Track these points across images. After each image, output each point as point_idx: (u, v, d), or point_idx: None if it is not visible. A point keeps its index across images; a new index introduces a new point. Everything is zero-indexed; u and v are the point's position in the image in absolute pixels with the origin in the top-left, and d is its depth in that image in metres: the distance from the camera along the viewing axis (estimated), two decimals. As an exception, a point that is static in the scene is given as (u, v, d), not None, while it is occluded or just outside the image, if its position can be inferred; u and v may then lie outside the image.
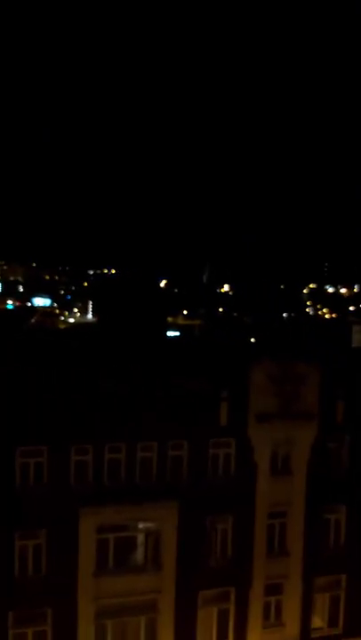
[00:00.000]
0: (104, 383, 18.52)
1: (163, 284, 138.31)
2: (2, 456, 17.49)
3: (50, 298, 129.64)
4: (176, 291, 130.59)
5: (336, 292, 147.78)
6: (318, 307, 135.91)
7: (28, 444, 17.72)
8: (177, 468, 19.20)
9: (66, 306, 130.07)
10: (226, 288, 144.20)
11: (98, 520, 18.28)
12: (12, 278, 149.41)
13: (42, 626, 18.18)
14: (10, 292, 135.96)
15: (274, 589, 20.35)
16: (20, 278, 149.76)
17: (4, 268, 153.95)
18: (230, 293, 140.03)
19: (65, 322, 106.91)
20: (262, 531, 19.98)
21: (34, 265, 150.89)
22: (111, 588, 18.53)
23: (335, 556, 20.88)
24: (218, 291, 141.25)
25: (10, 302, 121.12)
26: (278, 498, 20.00)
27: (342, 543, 20.99)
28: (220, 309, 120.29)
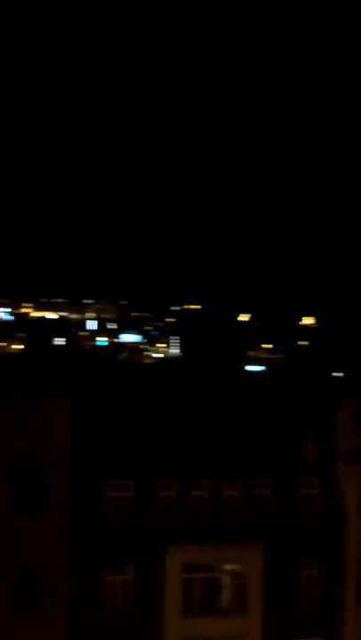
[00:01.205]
0: (190, 419, 18.83)
1: (246, 317, 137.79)
2: (91, 490, 18.20)
3: (137, 334, 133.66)
4: (258, 324, 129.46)
5: None
6: None
7: (116, 478, 18.31)
8: (262, 507, 18.87)
9: (152, 341, 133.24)
10: (310, 321, 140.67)
11: (183, 558, 18.30)
12: (103, 316, 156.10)
13: (129, 663, 18.28)
14: (101, 329, 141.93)
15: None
16: (110, 316, 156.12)
17: (98, 306, 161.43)
18: (314, 326, 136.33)
19: (151, 357, 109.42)
20: (352, 577, 18.96)
21: (123, 303, 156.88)
22: (197, 629, 18.32)
23: None
24: (299, 323, 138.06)
25: (101, 339, 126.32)
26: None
27: None
28: (305, 343, 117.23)
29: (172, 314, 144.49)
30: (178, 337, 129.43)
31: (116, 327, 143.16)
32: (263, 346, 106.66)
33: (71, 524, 18.04)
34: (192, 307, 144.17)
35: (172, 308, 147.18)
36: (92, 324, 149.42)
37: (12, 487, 17.86)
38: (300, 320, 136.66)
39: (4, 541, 17.80)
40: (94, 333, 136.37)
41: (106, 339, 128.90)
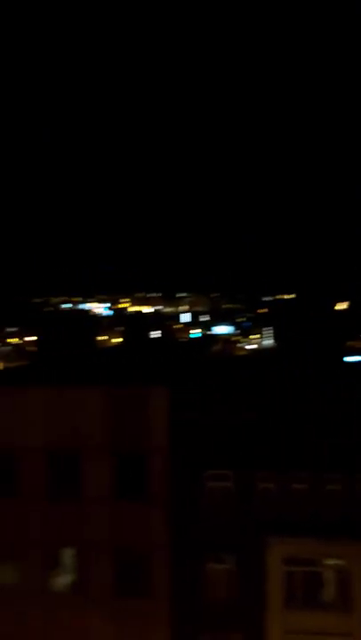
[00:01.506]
0: (288, 411, 18.52)
1: (343, 306, 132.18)
2: (190, 479, 18.53)
3: (230, 326, 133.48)
4: (358, 312, 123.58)
5: None
6: None
7: (215, 468, 18.49)
8: (366, 503, 18.12)
9: (245, 333, 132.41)
10: None
11: (284, 551, 18.09)
12: (196, 309, 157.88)
13: (233, 651, 18.46)
14: (195, 321, 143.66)
15: None
16: (203, 308, 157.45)
17: (190, 299, 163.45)
18: None
19: (244, 348, 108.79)
20: None
21: (215, 295, 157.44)
22: (300, 623, 18.05)
23: None
24: None
25: (195, 331, 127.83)
26: None
27: None
28: None
29: (265, 304, 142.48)
30: (271, 328, 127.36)
31: (208, 319, 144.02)
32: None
33: (172, 512, 18.49)
34: (285, 296, 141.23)
35: (265, 299, 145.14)
36: (185, 317, 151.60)
37: (114, 475, 18.63)
38: None
39: (110, 525, 18.67)
40: (188, 326, 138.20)
41: (199, 331, 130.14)
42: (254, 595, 18.19)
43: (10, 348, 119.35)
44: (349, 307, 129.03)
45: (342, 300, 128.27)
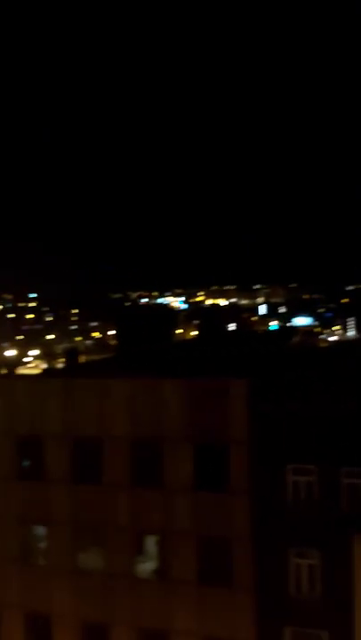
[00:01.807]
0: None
1: None
2: (272, 471, 18.24)
3: (310, 317, 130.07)
4: None
5: None
6: None
7: (297, 461, 18.09)
8: None
9: (326, 324, 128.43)
10: None
11: (373, 548, 17.36)
12: (273, 300, 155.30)
13: (319, 647, 18.05)
14: (272, 313, 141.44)
15: None
16: (281, 300, 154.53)
17: (267, 291, 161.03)
18: None
19: (326, 340, 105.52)
20: None
21: (293, 286, 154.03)
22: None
23: None
24: None
25: (273, 323, 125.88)
26: None
27: None
28: None
29: (347, 294, 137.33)
30: (354, 318, 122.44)
31: (287, 311, 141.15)
32: None
33: (254, 504, 18.32)
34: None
35: (347, 289, 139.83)
36: (262, 309, 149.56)
37: (196, 463, 18.75)
38: None
39: (192, 514, 18.81)
40: (265, 318, 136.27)
41: (277, 322, 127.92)
42: (340, 591, 17.64)
43: (92, 341, 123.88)
44: None
45: None
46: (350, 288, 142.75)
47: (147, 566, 19.63)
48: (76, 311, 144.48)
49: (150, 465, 19.07)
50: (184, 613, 18.94)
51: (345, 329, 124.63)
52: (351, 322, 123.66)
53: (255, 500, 18.33)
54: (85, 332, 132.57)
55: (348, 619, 17.69)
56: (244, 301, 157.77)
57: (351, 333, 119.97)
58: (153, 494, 19.13)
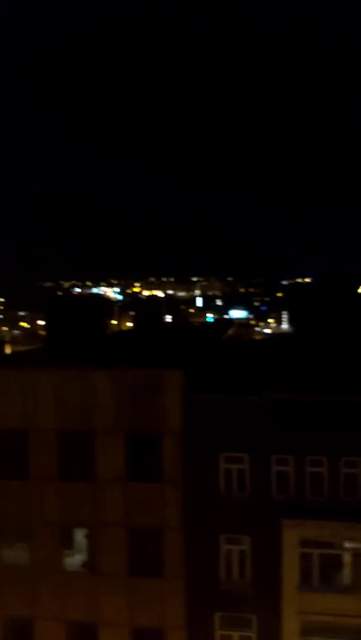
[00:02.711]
0: (305, 395, 18.18)
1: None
2: (205, 461, 18.35)
3: (246, 310, 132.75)
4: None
5: None
6: None
7: (230, 450, 18.28)
8: (385, 487, 17.77)
9: (261, 317, 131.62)
10: None
11: (301, 533, 17.90)
12: (210, 293, 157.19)
13: (247, 631, 18.44)
14: (209, 305, 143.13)
15: None
16: (217, 292, 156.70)
17: (204, 283, 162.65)
18: None
19: (261, 332, 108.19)
20: None
21: (230, 279, 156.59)
22: (316, 604, 17.92)
23: None
24: None
25: (209, 315, 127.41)
26: None
27: None
28: None
29: (282, 288, 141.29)
30: (287, 312, 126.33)
31: (223, 303, 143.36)
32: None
33: (186, 492, 18.36)
34: (306, 280, 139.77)
35: (283, 283, 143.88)
36: (199, 301, 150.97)
37: (129, 455, 18.54)
38: None
39: (123, 506, 18.59)
40: (202, 310, 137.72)
41: (213, 315, 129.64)
42: (269, 576, 18.07)
43: (20, 331, 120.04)
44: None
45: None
46: (285, 283, 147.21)
47: (75, 560, 19.27)
48: (2, 300, 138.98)
49: (80, 457, 18.69)
50: (113, 605, 18.77)
51: (279, 322, 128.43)
52: (285, 315, 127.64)
53: (188, 490, 18.38)
54: (13, 322, 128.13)
55: (276, 603, 18.16)
56: (181, 293, 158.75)
57: (285, 326, 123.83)
58: (82, 487, 18.77)
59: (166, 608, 18.56)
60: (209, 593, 18.50)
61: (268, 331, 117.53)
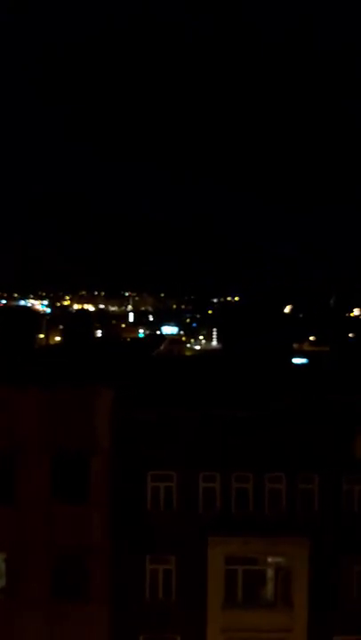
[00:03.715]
0: (232, 411, 18.50)
1: (288, 309, 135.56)
2: (132, 479, 18.16)
3: (177, 326, 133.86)
4: (301, 316, 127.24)
5: None
6: None
7: (158, 468, 18.20)
8: (307, 502, 18.39)
9: (192, 333, 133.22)
10: (356, 312, 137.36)
11: (226, 550, 18.07)
12: (142, 308, 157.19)
13: (172, 653, 18.25)
14: (141, 321, 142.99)
15: None
16: (149, 308, 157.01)
17: (136, 298, 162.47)
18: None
19: (191, 349, 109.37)
20: None
21: (162, 295, 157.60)
22: (240, 621, 18.09)
23: None
24: (347, 315, 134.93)
25: (141, 331, 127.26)
26: None
27: None
28: (350, 335, 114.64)
29: (213, 306, 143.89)
30: (216, 329, 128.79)
31: (155, 319, 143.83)
32: (310, 338, 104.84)
33: (113, 512, 18.07)
34: (235, 298, 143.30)
35: (213, 300, 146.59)
36: (131, 317, 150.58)
37: (54, 475, 18.01)
38: (350, 312, 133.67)
39: (47, 528, 17.99)
40: (134, 325, 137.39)
41: (145, 330, 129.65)
42: (194, 595, 18.06)
43: None
44: (292, 310, 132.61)
45: (290, 304, 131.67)
46: (215, 300, 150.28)
47: None
48: None
49: (1, 478, 17.89)
50: (34, 632, 17.98)
51: (209, 339, 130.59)
52: (215, 332, 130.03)
53: (115, 510, 18.09)
54: None
55: (201, 621, 18.14)
56: (112, 308, 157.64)
57: (215, 343, 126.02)
58: (2, 510, 17.95)
59: (90, 631, 18.04)
60: (134, 615, 18.19)
61: (198, 347, 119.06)
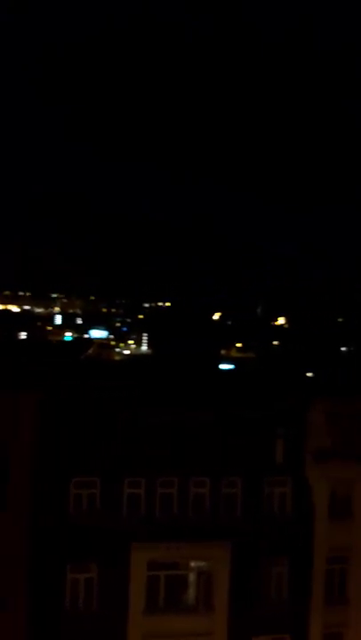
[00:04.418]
0: (157, 416, 18.50)
1: (216, 316, 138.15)
2: (55, 486, 17.68)
3: (106, 330, 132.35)
4: (229, 323, 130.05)
5: None
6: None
7: (82, 474, 17.84)
8: (230, 506, 18.72)
9: (121, 338, 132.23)
10: (281, 321, 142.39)
11: (149, 556, 18.00)
12: (70, 311, 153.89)
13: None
14: (69, 324, 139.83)
15: (333, 639, 19.16)
16: (78, 311, 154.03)
17: (64, 301, 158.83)
18: (285, 326, 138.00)
19: (120, 353, 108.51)
20: (320, 576, 19.00)
21: (92, 298, 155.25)
22: (161, 627, 18.06)
23: None
24: (272, 323, 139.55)
25: (68, 334, 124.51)
26: (338, 542, 19.05)
27: None
28: (275, 342, 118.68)
29: (143, 310, 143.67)
30: (147, 334, 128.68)
31: (84, 322, 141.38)
32: (237, 345, 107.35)
33: (33, 520, 17.49)
34: (166, 304, 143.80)
35: (144, 305, 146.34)
36: (58, 319, 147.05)
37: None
38: (275, 320, 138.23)
39: None
40: (61, 328, 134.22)
41: (73, 334, 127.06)
42: (117, 602, 17.82)
43: None
44: (220, 317, 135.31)
45: (218, 311, 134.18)
46: (147, 305, 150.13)
47: None
48: None
49: None
50: None
51: (139, 343, 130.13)
52: (145, 337, 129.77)
53: (36, 518, 17.49)
54: None
55: (122, 629, 17.91)
56: (38, 309, 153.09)
57: (144, 348, 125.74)
58: None
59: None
60: (53, 625, 17.64)
61: (127, 352, 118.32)
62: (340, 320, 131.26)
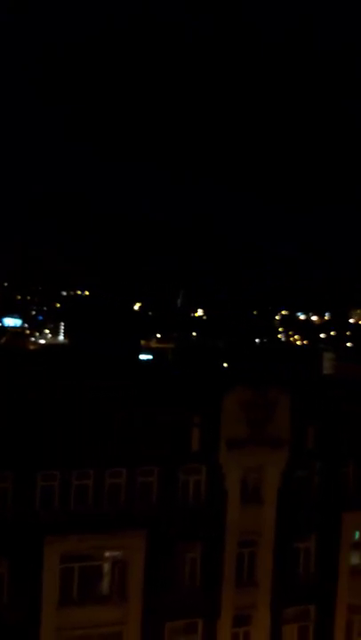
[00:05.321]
0: (72, 407, 18.19)
1: (137, 306, 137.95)
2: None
3: (20, 318, 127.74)
4: (150, 314, 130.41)
5: (308, 320, 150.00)
6: (290, 333, 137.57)
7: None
8: (146, 494, 18.85)
9: (37, 327, 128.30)
10: (200, 313, 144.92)
11: (62, 548, 17.72)
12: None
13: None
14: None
15: (242, 620, 19.97)
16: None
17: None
18: (204, 318, 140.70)
19: (35, 343, 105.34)
20: (232, 560, 19.68)
21: (5, 284, 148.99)
22: (75, 618, 17.90)
23: (305, 586, 20.65)
24: (192, 315, 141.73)
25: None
26: (248, 526, 19.78)
27: (312, 573, 20.81)
28: (194, 334, 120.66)
29: (60, 299, 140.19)
30: (63, 323, 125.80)
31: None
32: (157, 336, 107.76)
33: None
34: (85, 293, 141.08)
35: (62, 293, 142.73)
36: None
37: None
38: (195, 312, 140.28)
39: None
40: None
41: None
42: (30, 597, 17.40)
43: None
44: (140, 308, 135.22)
45: (139, 301, 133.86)
46: (64, 293, 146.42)
47: None
48: None
49: None
50: None
51: (56, 333, 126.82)
52: (62, 326, 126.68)
53: None
54: None
55: (35, 623, 17.54)
56: None
57: (61, 337, 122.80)
58: None
59: None
60: None
61: (43, 341, 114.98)
62: (254, 313, 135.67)
